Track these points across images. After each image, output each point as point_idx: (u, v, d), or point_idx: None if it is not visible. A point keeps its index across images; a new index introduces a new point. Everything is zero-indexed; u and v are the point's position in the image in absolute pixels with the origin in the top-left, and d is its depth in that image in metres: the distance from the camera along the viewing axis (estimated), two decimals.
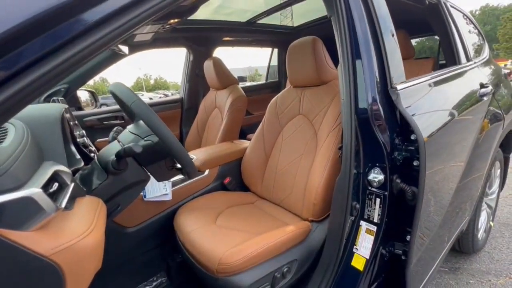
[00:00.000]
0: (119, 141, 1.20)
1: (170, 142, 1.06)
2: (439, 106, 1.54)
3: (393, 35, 1.36)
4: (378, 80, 1.25)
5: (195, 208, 1.83)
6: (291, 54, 1.85)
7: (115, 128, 1.37)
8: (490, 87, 2.04)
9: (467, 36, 2.39)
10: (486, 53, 2.57)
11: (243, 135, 3.42)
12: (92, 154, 1.37)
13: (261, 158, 2.05)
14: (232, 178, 2.20)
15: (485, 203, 2.53)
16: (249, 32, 3.45)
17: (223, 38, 3.42)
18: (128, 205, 1.23)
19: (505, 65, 24.83)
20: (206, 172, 2.12)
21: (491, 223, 2.70)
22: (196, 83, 3.40)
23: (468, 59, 2.19)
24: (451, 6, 2.31)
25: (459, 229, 1.95)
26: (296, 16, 3.64)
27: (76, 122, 1.51)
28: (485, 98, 1.96)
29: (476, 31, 2.66)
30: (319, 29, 3.56)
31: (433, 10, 2.17)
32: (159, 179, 1.24)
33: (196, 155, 2.16)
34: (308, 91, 1.89)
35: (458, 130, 1.61)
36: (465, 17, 2.58)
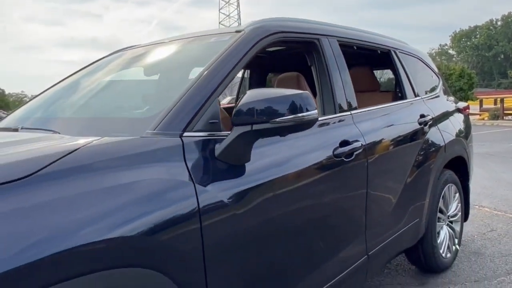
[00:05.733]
0: None
1: None
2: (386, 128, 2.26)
3: (345, 76, 2.12)
4: None
5: None
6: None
7: None
8: (430, 117, 2.59)
9: (419, 76, 2.97)
10: (438, 90, 3.15)
11: None
12: None
13: None
14: None
15: (447, 223, 2.96)
16: None
17: None
18: None
19: None
20: None
21: (457, 246, 3.10)
22: None
23: (415, 95, 2.75)
24: (403, 53, 2.91)
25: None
26: None
27: None
28: (424, 126, 2.51)
29: (431, 72, 3.26)
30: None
31: (386, 56, 2.77)
32: None
33: None
34: None
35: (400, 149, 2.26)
36: (421, 60, 3.19)
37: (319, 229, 1.79)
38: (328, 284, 1.78)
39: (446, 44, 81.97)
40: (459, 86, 20.03)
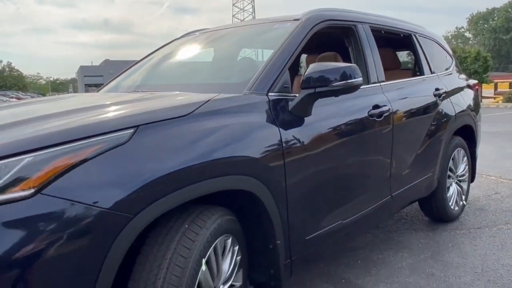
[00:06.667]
0: None
1: None
2: (408, 97, 2.82)
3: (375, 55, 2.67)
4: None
5: None
6: None
7: None
8: (444, 90, 3.13)
9: (435, 56, 3.49)
10: (451, 69, 3.67)
11: None
12: None
13: None
14: None
15: (456, 181, 3.53)
16: None
17: None
18: None
19: None
20: None
21: (464, 202, 3.66)
22: None
23: (431, 72, 3.29)
24: (422, 36, 3.44)
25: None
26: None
27: None
28: (438, 98, 3.05)
29: (445, 53, 3.77)
30: None
31: (407, 39, 3.30)
32: None
33: None
34: None
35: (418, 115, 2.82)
36: (437, 43, 3.71)
37: (357, 171, 2.38)
38: (363, 212, 2.38)
39: (462, 27, 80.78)
40: (474, 69, 20.23)
